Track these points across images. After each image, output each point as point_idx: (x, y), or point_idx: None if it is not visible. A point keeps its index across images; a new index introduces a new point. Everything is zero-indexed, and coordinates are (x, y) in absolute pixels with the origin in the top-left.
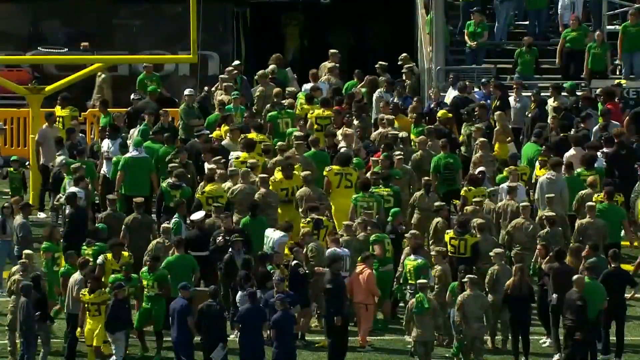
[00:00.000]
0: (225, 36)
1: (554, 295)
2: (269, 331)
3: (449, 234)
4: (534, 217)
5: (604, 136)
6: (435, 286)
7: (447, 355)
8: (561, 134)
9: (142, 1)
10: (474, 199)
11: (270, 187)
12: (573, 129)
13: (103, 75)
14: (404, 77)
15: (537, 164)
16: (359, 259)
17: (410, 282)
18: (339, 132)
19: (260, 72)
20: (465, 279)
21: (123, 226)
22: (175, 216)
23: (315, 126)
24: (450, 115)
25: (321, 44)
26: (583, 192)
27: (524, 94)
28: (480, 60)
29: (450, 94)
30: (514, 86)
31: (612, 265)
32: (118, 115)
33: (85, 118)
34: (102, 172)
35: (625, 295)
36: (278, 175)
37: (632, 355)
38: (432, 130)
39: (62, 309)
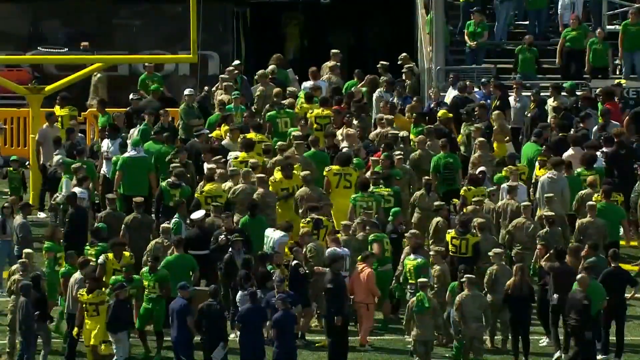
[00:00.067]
0: (225, 36)
1: (555, 295)
2: (270, 331)
3: (451, 233)
4: (534, 216)
5: (603, 136)
6: (435, 286)
7: (447, 355)
8: (560, 134)
9: (142, 1)
10: (473, 199)
11: (270, 188)
12: (572, 129)
13: (99, 75)
14: (404, 77)
15: (536, 163)
16: (359, 258)
17: (410, 281)
18: (338, 132)
19: (260, 71)
20: (464, 279)
21: (123, 226)
22: (175, 216)
23: (315, 125)
24: (451, 115)
25: (321, 43)
26: (583, 192)
27: (524, 93)
28: (480, 60)
29: (450, 94)
30: (514, 86)
31: (612, 265)
32: (118, 115)
33: (85, 118)
34: (102, 172)
35: (626, 295)
36: (278, 175)
37: (632, 355)
38: (432, 130)
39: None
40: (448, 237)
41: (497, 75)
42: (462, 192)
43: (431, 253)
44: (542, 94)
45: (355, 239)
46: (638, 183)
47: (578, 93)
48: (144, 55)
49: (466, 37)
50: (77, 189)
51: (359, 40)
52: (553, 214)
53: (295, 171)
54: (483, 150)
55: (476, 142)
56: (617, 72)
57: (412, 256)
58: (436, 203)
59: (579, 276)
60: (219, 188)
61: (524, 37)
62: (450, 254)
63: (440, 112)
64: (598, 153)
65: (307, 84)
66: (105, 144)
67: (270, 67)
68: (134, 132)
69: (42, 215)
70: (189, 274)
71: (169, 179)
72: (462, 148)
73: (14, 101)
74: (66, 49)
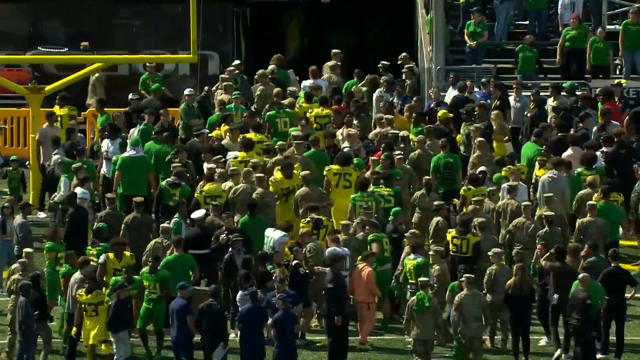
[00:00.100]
0: (225, 36)
1: (555, 296)
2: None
3: (452, 233)
4: (535, 216)
5: (603, 136)
6: (435, 285)
7: (446, 355)
8: (559, 134)
9: (142, 1)
10: (473, 199)
11: (271, 188)
12: (572, 129)
13: (97, 74)
14: (404, 77)
15: (536, 163)
16: (359, 258)
17: (410, 281)
18: (338, 132)
19: (260, 71)
20: (463, 278)
21: (123, 225)
22: (175, 216)
23: (315, 125)
24: (451, 115)
25: (321, 43)
26: (583, 192)
27: (523, 93)
28: (480, 60)
29: (450, 94)
30: (514, 86)
31: (612, 265)
32: (118, 115)
33: (85, 118)
34: (102, 172)
35: (626, 294)
36: (278, 175)
37: (631, 355)
38: (432, 130)
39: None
40: (449, 237)
41: (497, 75)
42: (461, 191)
43: (430, 253)
44: (541, 93)
45: (355, 238)
46: (638, 183)
47: (578, 93)
48: (144, 55)
49: (466, 37)
50: (78, 190)
51: (359, 40)
52: (552, 213)
53: (295, 171)
54: (482, 150)
55: (475, 142)
56: (617, 72)
57: (412, 256)
58: (436, 203)
59: (580, 275)
60: (218, 188)
61: (525, 37)
62: (451, 253)
63: (440, 112)
64: (598, 153)
65: (307, 82)
66: (105, 144)
67: (270, 66)
68: (134, 132)
69: (42, 215)
70: (189, 274)
71: (169, 179)
72: (461, 148)
73: (14, 101)
74: (66, 49)
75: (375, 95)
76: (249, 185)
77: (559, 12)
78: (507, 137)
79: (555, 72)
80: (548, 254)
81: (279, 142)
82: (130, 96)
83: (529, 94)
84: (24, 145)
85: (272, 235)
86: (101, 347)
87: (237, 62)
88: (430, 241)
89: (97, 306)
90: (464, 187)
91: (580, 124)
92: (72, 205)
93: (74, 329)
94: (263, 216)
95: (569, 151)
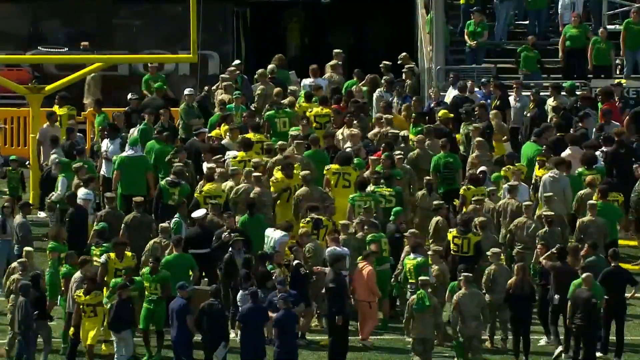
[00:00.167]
0: (225, 36)
1: (556, 296)
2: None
3: (452, 232)
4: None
5: (602, 136)
6: (434, 285)
7: (446, 355)
8: (558, 134)
9: (142, 1)
10: (473, 198)
11: (272, 188)
12: (572, 129)
13: (92, 74)
14: (404, 77)
15: (536, 163)
16: (359, 257)
17: (410, 280)
18: (338, 132)
19: (260, 70)
20: (461, 277)
21: (123, 225)
22: (175, 216)
23: (314, 124)
24: (451, 115)
25: (321, 43)
26: (582, 191)
27: (524, 93)
28: (480, 60)
29: (450, 94)
30: (514, 86)
31: (612, 264)
32: (118, 115)
33: (85, 117)
34: (102, 172)
35: (626, 294)
36: (278, 174)
37: (631, 354)
38: (431, 130)
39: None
40: (450, 237)
41: (497, 75)
42: (461, 191)
43: (429, 253)
44: (541, 93)
45: (354, 238)
46: (638, 183)
47: (578, 93)
48: (144, 55)
49: (466, 37)
50: (82, 190)
51: (359, 40)
52: (552, 213)
53: (295, 171)
54: (481, 150)
55: (474, 142)
56: (617, 72)
57: (411, 255)
58: (435, 202)
59: (584, 275)
60: (218, 188)
61: (526, 37)
62: (452, 253)
63: (440, 112)
64: (598, 153)
65: (307, 81)
66: (105, 144)
67: (270, 66)
68: (134, 132)
69: (42, 214)
70: (188, 274)
71: (168, 178)
72: (461, 148)
73: (14, 101)
74: (66, 49)
75: (375, 95)
76: (250, 185)
77: (559, 12)
78: (505, 137)
79: (557, 72)
80: (548, 253)
81: (280, 142)
82: (129, 96)
83: (529, 93)
84: (24, 145)
85: (273, 235)
86: (101, 347)
87: (237, 62)
88: (430, 241)
89: (95, 307)
90: (464, 187)
91: (580, 124)
92: (72, 205)
93: (72, 329)
94: (262, 215)
95: (568, 151)
